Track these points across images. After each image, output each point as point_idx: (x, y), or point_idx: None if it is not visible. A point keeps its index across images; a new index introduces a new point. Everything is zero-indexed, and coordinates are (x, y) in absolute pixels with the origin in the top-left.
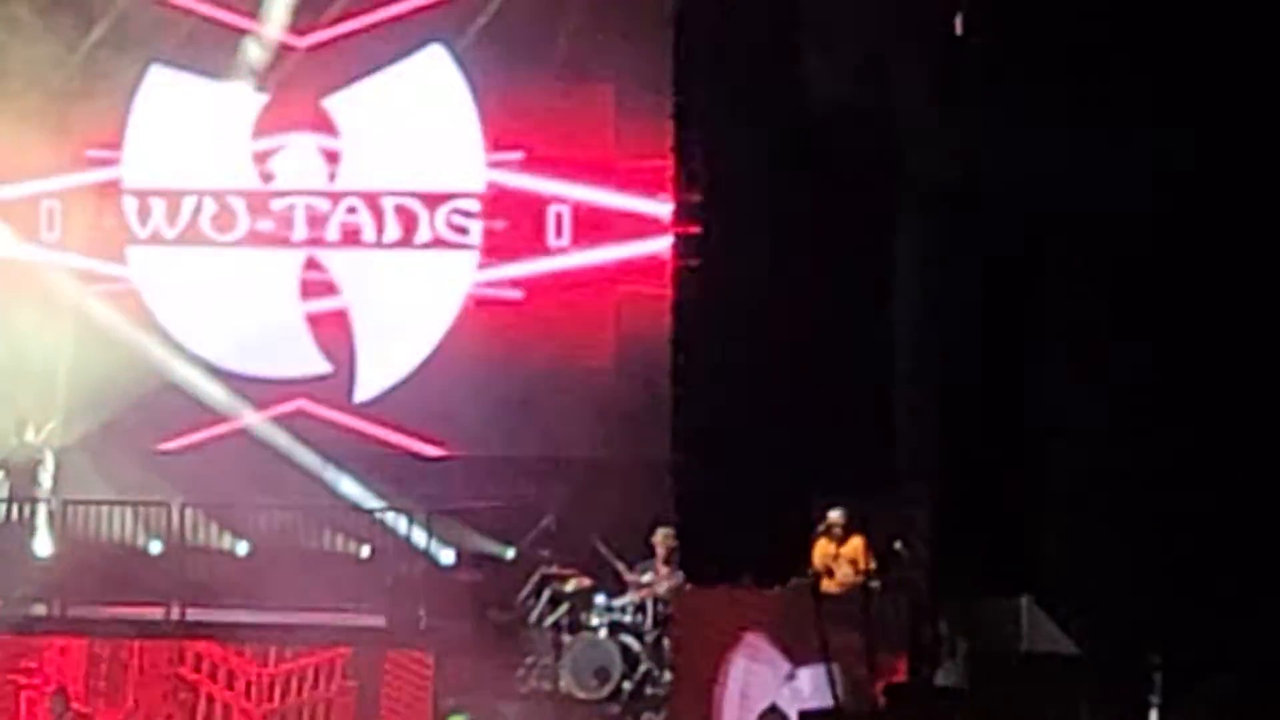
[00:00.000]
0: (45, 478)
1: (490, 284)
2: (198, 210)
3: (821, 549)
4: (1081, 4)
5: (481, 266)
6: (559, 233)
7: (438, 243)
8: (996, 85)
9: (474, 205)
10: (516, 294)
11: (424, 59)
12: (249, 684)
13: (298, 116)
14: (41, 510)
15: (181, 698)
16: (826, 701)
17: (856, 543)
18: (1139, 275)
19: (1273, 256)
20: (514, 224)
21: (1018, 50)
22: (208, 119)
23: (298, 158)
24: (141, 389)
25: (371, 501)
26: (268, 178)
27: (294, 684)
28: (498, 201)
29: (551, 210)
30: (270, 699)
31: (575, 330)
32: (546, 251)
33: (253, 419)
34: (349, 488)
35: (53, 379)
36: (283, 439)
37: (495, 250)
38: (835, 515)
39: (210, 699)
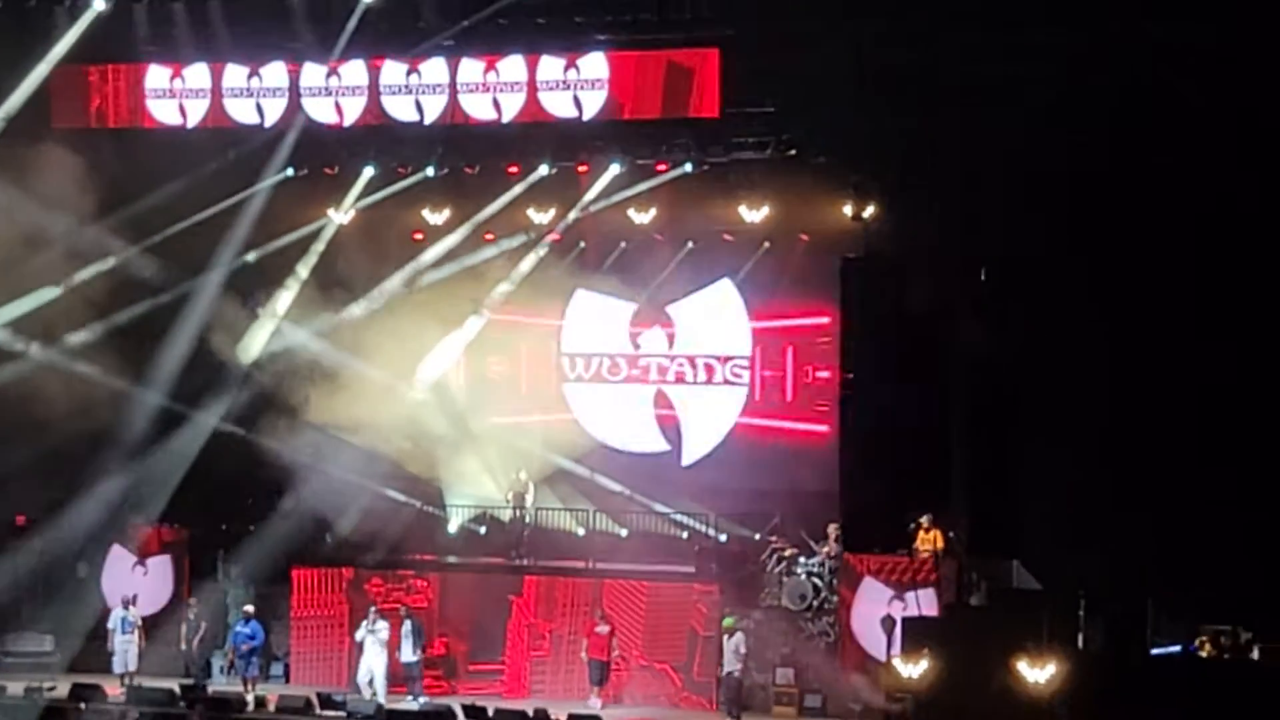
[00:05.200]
0: (529, 497)
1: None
2: (600, 364)
3: (919, 537)
4: None
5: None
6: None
7: (726, 383)
8: None
9: (745, 362)
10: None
11: (721, 286)
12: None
13: (653, 316)
14: (528, 516)
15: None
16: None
17: (936, 533)
18: None
19: None
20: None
21: None
22: (607, 318)
23: (654, 337)
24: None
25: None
26: (637, 347)
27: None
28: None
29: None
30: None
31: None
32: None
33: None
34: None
35: (531, 452)
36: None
37: (758, 389)
38: (924, 519)
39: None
